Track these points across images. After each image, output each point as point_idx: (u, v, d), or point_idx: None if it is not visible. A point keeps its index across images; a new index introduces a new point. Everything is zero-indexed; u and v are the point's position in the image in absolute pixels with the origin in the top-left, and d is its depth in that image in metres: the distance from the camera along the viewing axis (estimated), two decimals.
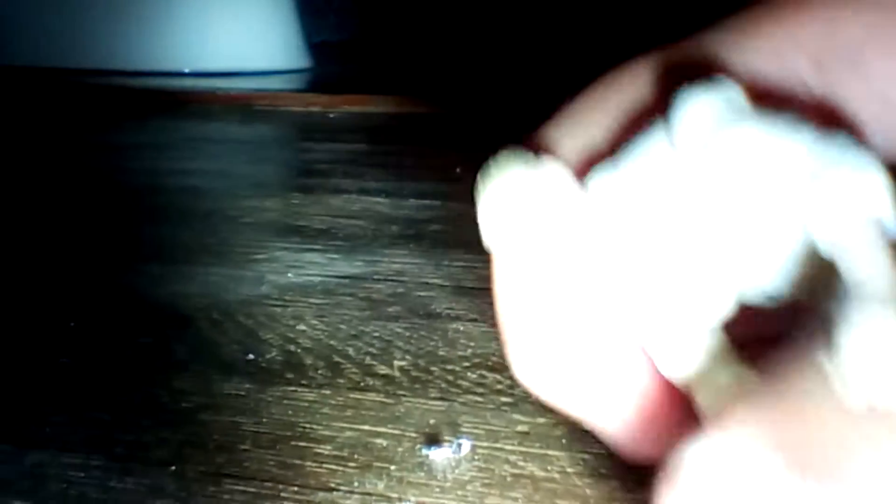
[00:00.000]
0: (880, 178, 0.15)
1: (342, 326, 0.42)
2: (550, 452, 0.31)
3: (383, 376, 0.37)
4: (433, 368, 0.37)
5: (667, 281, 0.18)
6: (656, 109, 0.19)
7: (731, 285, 0.18)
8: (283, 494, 0.29)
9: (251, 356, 0.39)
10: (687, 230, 0.18)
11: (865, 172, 0.15)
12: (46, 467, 0.30)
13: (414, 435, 0.32)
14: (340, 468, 0.30)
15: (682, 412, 0.20)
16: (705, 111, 0.17)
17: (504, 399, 0.35)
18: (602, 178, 0.19)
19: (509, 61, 1.64)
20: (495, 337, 0.41)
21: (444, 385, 0.36)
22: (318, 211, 0.63)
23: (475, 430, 0.32)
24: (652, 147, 0.18)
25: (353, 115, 1.11)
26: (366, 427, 0.33)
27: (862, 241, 0.14)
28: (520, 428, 0.32)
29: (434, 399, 0.35)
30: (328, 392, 0.35)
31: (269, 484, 0.29)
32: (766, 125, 0.17)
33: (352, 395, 0.35)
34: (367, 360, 0.38)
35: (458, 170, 0.77)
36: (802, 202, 0.16)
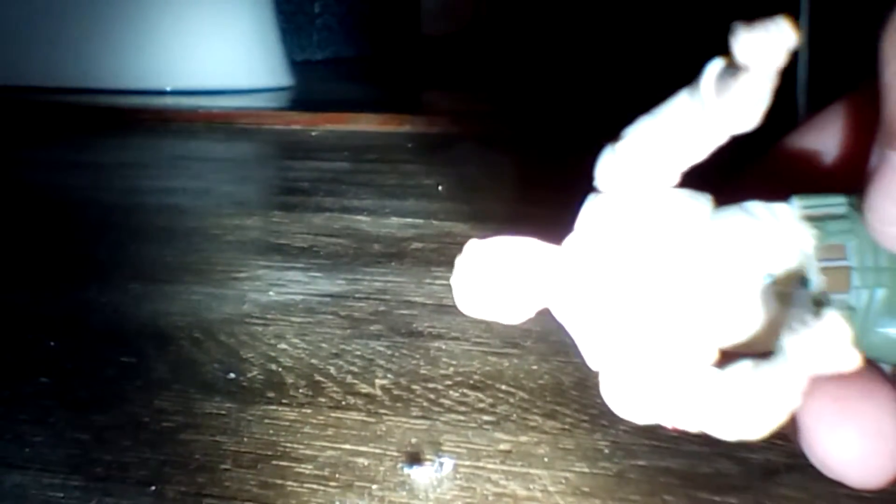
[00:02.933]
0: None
1: (323, 345, 0.42)
2: (532, 471, 0.31)
3: (365, 395, 0.37)
4: (415, 387, 0.37)
5: (645, 336, 0.19)
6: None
7: (704, 333, 0.19)
8: None
9: (232, 375, 0.39)
10: (654, 282, 0.19)
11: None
12: (27, 488, 0.30)
13: (395, 454, 0.32)
14: (322, 488, 0.30)
15: None
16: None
17: (486, 417, 0.35)
18: (573, 237, 0.20)
19: (492, 80, 1.65)
20: (477, 355, 0.42)
21: (425, 404, 0.36)
22: (300, 229, 0.63)
23: (457, 449, 0.32)
24: (609, 210, 0.20)
25: (334, 133, 1.12)
26: (347, 446, 0.33)
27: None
28: (502, 446, 0.33)
29: (416, 418, 0.35)
30: (309, 411, 0.35)
31: None
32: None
33: (333, 414, 0.35)
34: (349, 378, 0.38)
35: (439, 188, 0.77)
36: (757, 247, 0.18)
